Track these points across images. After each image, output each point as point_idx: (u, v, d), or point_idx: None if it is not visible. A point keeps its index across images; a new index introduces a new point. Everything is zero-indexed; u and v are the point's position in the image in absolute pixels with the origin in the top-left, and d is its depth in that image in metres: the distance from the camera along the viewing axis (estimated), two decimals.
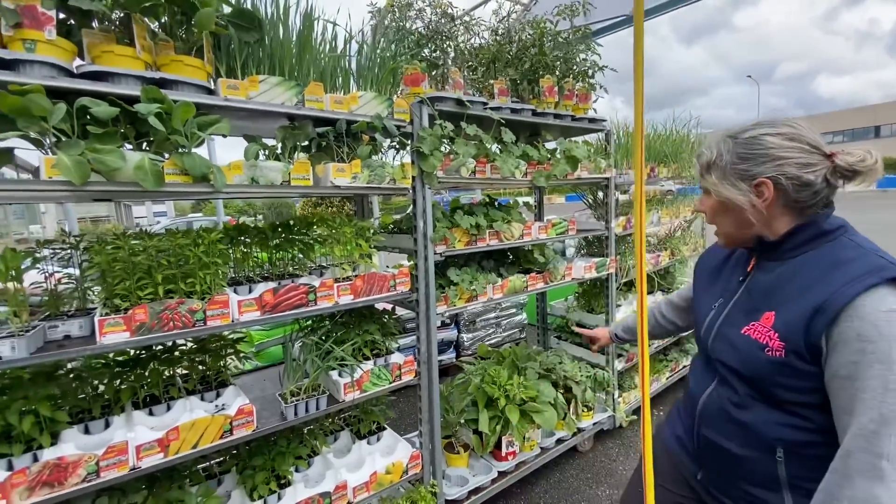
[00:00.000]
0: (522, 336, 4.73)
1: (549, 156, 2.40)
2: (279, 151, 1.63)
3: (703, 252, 1.26)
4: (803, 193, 0.88)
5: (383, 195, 2.13)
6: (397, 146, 1.88)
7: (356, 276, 1.74)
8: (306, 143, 1.74)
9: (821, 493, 0.81)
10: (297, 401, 1.66)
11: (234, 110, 1.46)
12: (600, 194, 2.93)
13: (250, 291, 1.63)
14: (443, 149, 1.95)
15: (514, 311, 4.68)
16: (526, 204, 3.63)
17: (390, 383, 1.88)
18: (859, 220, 1.06)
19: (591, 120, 2.66)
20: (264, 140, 1.62)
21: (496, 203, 2.59)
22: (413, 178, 1.89)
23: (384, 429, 2.21)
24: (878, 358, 0.75)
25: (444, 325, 4.30)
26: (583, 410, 2.82)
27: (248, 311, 1.49)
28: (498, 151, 2.23)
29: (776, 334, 0.87)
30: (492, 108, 2.14)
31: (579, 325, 2.36)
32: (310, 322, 2.04)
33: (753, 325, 0.93)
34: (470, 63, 2.38)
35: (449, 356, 4.29)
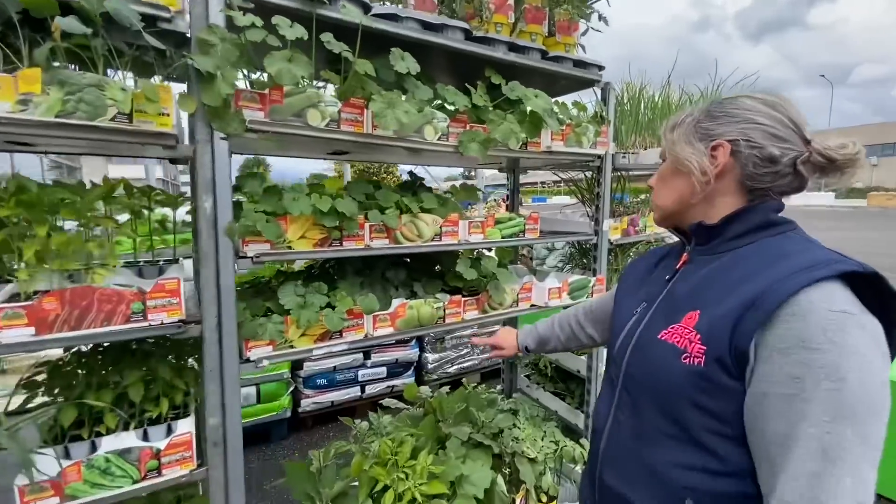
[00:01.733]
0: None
1: (494, 110, 1.48)
2: None
3: (635, 258, 1.12)
4: (762, 170, 0.72)
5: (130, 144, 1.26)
6: (155, 60, 1.03)
7: (47, 292, 0.93)
8: None
9: None
10: None
11: None
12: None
13: None
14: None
15: (496, 328, 3.76)
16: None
17: (134, 483, 1.06)
18: None
19: (578, 63, 1.70)
20: None
21: (417, 183, 1.71)
22: (191, 117, 1.04)
23: None
24: (826, 374, 0.57)
25: (401, 343, 3.44)
26: (540, 501, 1.90)
27: None
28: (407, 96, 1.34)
29: (698, 336, 0.69)
30: (379, 16, 1.26)
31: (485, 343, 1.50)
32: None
33: (673, 327, 0.74)
34: None
35: (406, 380, 3.44)
